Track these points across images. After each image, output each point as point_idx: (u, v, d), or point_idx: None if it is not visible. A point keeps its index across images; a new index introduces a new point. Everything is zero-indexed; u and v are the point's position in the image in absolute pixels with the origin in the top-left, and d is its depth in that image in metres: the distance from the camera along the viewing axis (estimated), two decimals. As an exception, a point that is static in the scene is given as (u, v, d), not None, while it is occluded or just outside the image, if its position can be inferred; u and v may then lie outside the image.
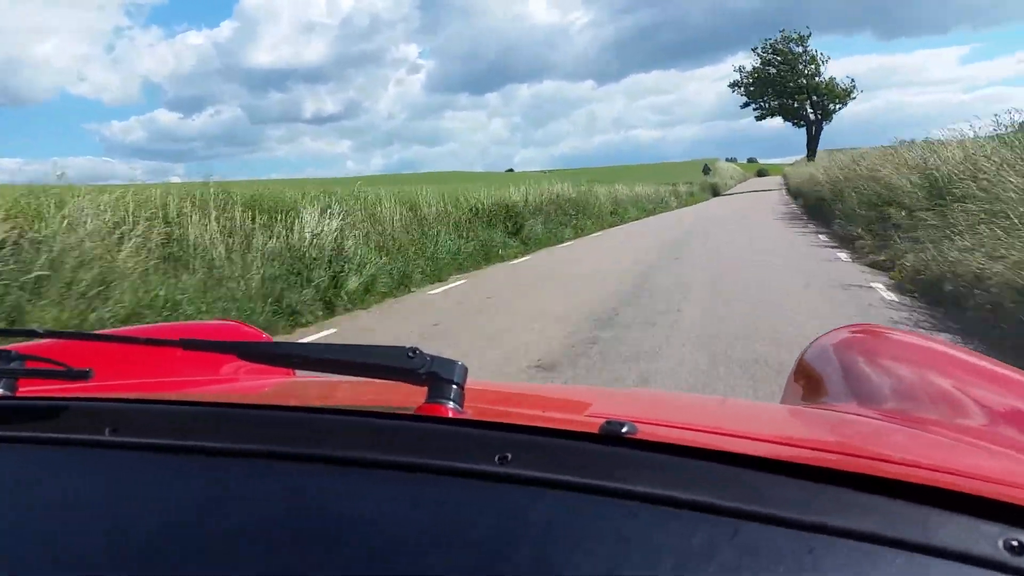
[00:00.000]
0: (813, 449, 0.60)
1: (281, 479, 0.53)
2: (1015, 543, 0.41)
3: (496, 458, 0.50)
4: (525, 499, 0.48)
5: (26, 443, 0.61)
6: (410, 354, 0.60)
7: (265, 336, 1.36)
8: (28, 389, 0.74)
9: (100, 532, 0.51)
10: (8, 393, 0.70)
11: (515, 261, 10.52)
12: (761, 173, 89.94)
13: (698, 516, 0.44)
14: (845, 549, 0.42)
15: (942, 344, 1.22)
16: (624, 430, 0.52)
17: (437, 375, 0.59)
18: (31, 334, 0.85)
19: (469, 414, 0.60)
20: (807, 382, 1.18)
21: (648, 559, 0.42)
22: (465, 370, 0.61)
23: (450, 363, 0.60)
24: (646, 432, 0.54)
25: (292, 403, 0.76)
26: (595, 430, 0.53)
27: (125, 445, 0.59)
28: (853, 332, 1.31)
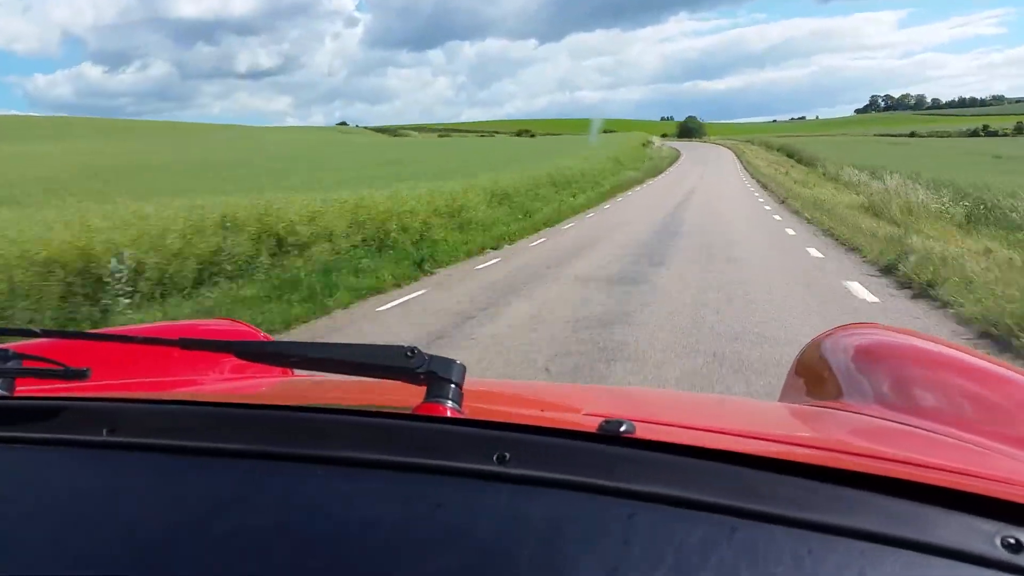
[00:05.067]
0: (811, 447, 0.64)
1: (279, 479, 0.56)
2: (1012, 540, 0.43)
3: (494, 458, 0.53)
4: (523, 499, 0.50)
5: (23, 443, 0.64)
6: (408, 353, 0.62)
7: (263, 335, 1.40)
8: (25, 388, 0.77)
9: (97, 533, 0.53)
10: (5, 393, 0.73)
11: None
12: (687, 131, 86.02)
13: (697, 515, 0.47)
14: (843, 547, 0.44)
15: (941, 343, 1.27)
16: (622, 429, 0.55)
17: (435, 374, 0.63)
18: (29, 333, 0.88)
19: (467, 414, 0.62)
20: (806, 380, 1.25)
21: (647, 558, 0.44)
22: (464, 369, 0.64)
23: (449, 362, 0.63)
24: (644, 431, 0.57)
25: (290, 403, 0.79)
26: (593, 429, 0.56)
27: (122, 445, 0.61)
28: (853, 330, 1.37)
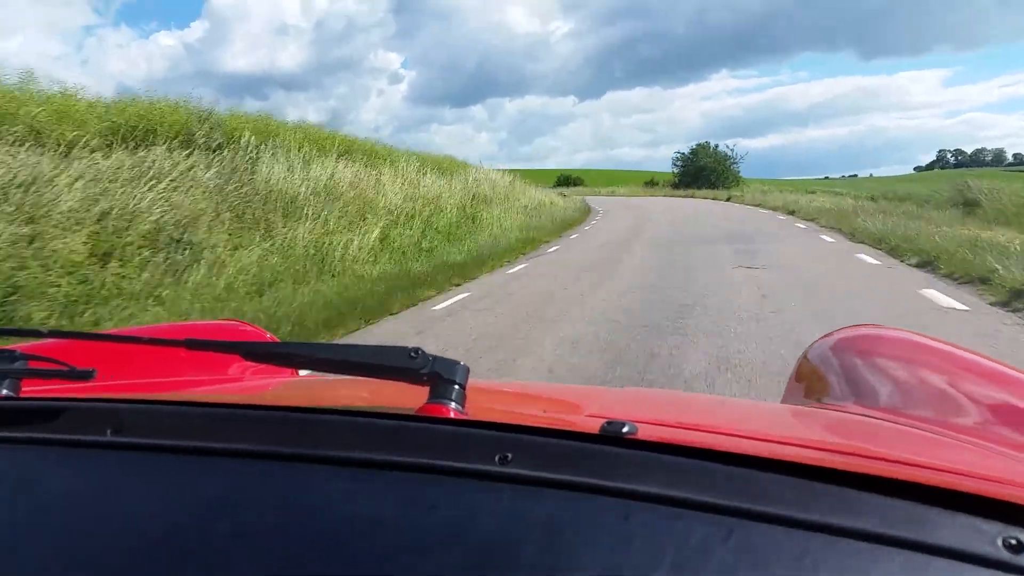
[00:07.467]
0: (813, 448, 0.66)
1: (283, 480, 0.58)
2: (1014, 541, 0.45)
3: (497, 458, 0.55)
4: (526, 499, 0.52)
5: (29, 443, 0.67)
6: (412, 354, 0.65)
7: (269, 336, 1.47)
8: (31, 389, 0.81)
9: (102, 533, 0.55)
10: (11, 393, 0.76)
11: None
12: (693, 176, 45.26)
13: (698, 516, 0.48)
14: (845, 548, 0.45)
15: (943, 343, 1.29)
16: (624, 430, 0.57)
17: (439, 375, 0.65)
18: (35, 334, 0.93)
19: (470, 414, 0.65)
20: (808, 381, 1.28)
21: (649, 559, 0.46)
22: (467, 370, 0.67)
23: (452, 363, 0.66)
24: (646, 432, 0.59)
25: (295, 403, 0.82)
26: (595, 430, 0.58)
27: (128, 446, 0.64)
28: (855, 332, 1.42)
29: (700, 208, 26.36)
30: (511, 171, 26.11)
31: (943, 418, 0.94)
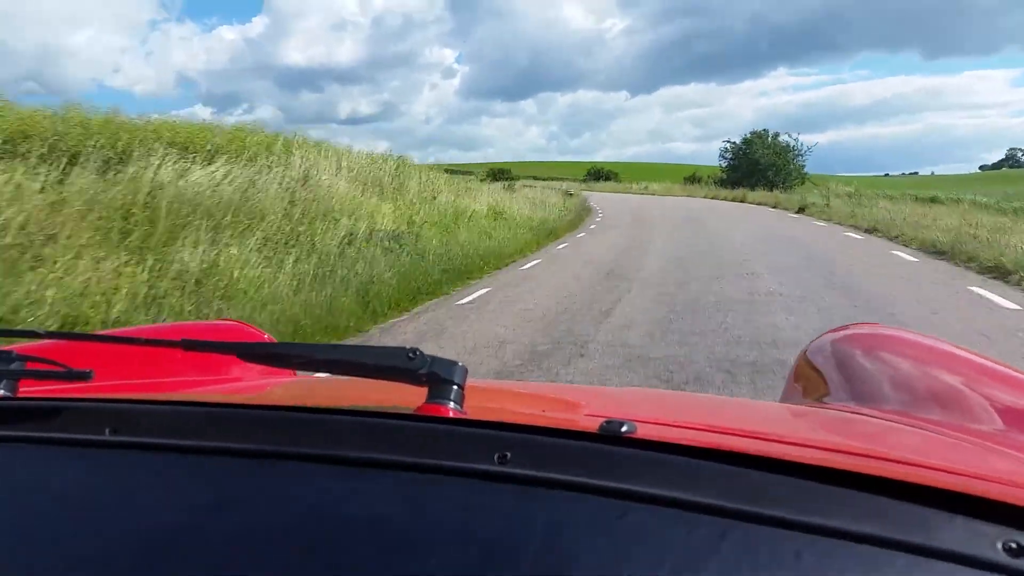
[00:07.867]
0: (813, 448, 0.66)
1: (281, 479, 0.59)
2: (1014, 545, 0.45)
3: (495, 458, 0.55)
4: (524, 499, 0.53)
5: (26, 443, 0.67)
6: (410, 355, 0.66)
7: (267, 337, 1.47)
8: (29, 390, 0.81)
9: (100, 533, 0.56)
10: (8, 394, 0.77)
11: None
12: (743, 169, 39.02)
13: (698, 516, 0.49)
14: (844, 550, 0.45)
15: (943, 343, 1.30)
16: (623, 429, 0.57)
17: (437, 375, 0.66)
18: (32, 335, 0.92)
19: (468, 414, 0.65)
20: (808, 380, 1.28)
21: (648, 559, 0.46)
22: (465, 371, 0.67)
23: (450, 363, 0.67)
24: (645, 431, 0.59)
25: (292, 403, 0.81)
26: (594, 429, 0.58)
27: (125, 445, 0.65)
28: (855, 330, 1.43)
29: (765, 238, 13.86)
30: (449, 166, 18.05)
31: (944, 419, 0.94)
